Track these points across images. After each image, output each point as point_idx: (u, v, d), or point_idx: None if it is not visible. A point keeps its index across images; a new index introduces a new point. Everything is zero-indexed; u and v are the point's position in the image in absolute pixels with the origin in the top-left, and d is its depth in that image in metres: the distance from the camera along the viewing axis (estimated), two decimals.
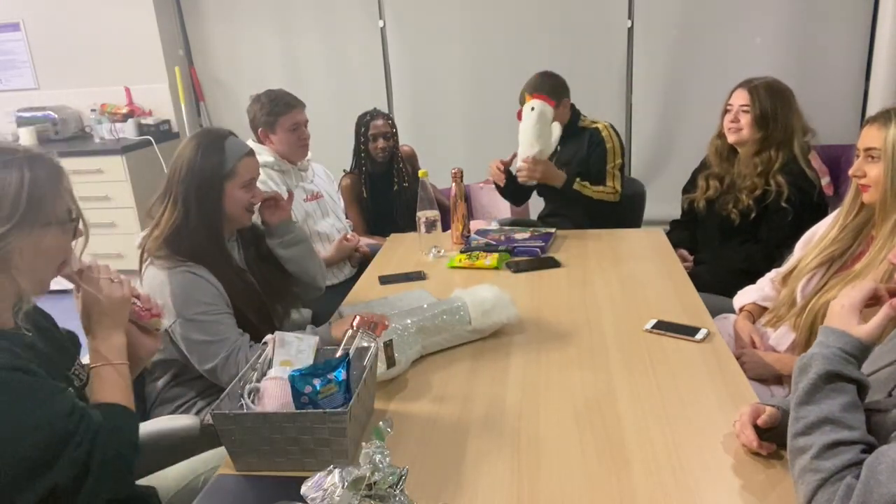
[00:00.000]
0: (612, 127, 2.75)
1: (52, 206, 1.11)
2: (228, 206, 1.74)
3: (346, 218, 2.92)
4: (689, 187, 2.57)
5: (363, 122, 2.98)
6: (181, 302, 1.63)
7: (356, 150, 3.02)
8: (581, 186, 2.61)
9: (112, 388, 1.21)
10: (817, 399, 0.99)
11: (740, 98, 2.31)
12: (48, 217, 1.11)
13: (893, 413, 1.00)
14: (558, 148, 2.68)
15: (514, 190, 2.75)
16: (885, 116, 1.52)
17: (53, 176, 1.12)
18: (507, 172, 2.69)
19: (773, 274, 1.95)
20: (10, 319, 1.13)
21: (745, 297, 1.95)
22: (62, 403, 1.08)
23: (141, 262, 1.70)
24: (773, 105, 2.26)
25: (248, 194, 1.77)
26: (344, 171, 3.12)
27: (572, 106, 2.77)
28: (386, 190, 3.05)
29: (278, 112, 2.46)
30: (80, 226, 1.18)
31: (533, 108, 2.55)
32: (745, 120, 2.30)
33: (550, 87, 2.67)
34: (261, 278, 1.85)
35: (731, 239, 2.37)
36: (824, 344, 1.03)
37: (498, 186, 2.77)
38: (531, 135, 2.54)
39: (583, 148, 2.73)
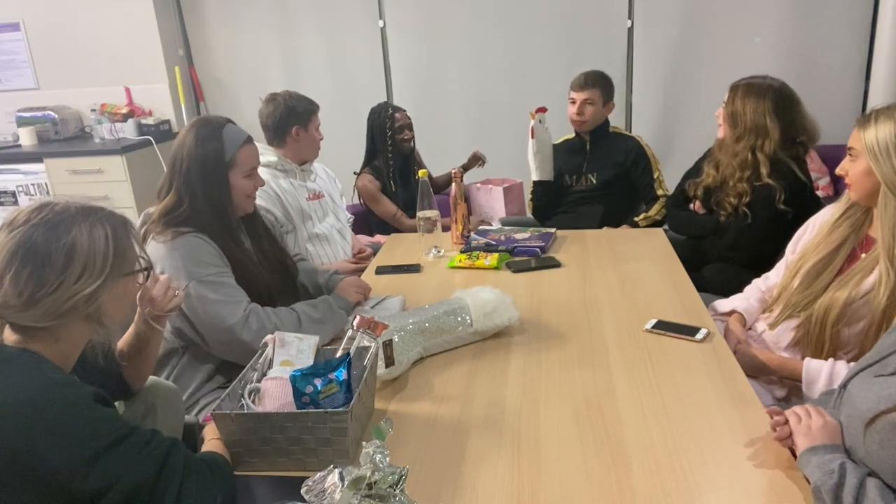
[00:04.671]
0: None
1: (130, 256, 1.20)
2: (232, 195, 1.76)
3: (350, 218, 2.93)
4: (693, 172, 2.58)
5: (386, 115, 3.07)
6: (193, 264, 1.64)
7: (379, 144, 3.09)
8: (644, 219, 2.84)
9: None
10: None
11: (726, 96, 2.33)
12: (129, 266, 1.19)
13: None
14: (587, 148, 2.94)
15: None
16: (866, 118, 1.55)
17: (127, 228, 1.20)
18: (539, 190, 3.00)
19: (762, 282, 1.96)
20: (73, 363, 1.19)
21: (729, 304, 1.94)
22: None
23: (144, 241, 1.73)
24: (743, 105, 2.25)
25: (250, 182, 1.78)
26: (355, 172, 3.14)
27: None
28: (408, 178, 3.15)
29: (312, 111, 2.52)
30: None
31: (533, 131, 2.84)
32: (721, 118, 2.33)
33: (603, 83, 2.87)
34: (267, 267, 1.86)
35: (723, 238, 2.38)
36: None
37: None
38: (533, 162, 2.93)
39: (618, 154, 2.91)
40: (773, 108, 2.23)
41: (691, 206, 2.61)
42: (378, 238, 3.02)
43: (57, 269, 1.08)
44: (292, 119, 2.48)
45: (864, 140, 1.53)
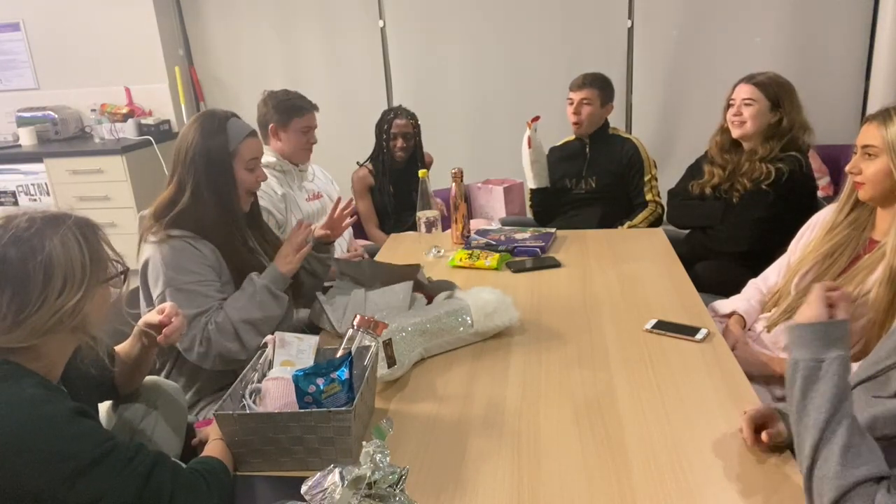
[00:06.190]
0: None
1: (104, 260, 1.16)
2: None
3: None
4: (696, 168, 2.58)
5: (386, 118, 3.01)
6: (173, 269, 1.62)
7: (377, 145, 3.04)
8: (627, 228, 2.75)
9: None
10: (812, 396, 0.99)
11: (743, 92, 2.31)
12: (106, 273, 1.16)
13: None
14: (587, 151, 2.87)
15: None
16: (885, 115, 1.52)
17: (95, 231, 1.16)
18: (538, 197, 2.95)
19: (762, 283, 1.95)
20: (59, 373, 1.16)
21: (730, 305, 1.94)
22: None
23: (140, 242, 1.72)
24: (780, 95, 2.29)
25: (251, 176, 1.77)
26: (358, 163, 3.12)
27: None
28: (409, 184, 3.04)
29: (294, 113, 2.46)
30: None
31: (530, 141, 2.80)
32: (748, 113, 2.30)
33: (601, 84, 2.83)
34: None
35: (734, 219, 2.38)
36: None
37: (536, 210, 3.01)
38: (531, 171, 2.88)
39: (617, 156, 2.86)
40: (796, 99, 2.32)
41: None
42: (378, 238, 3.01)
43: (38, 287, 1.04)
44: (268, 118, 2.47)
45: (888, 137, 1.49)
